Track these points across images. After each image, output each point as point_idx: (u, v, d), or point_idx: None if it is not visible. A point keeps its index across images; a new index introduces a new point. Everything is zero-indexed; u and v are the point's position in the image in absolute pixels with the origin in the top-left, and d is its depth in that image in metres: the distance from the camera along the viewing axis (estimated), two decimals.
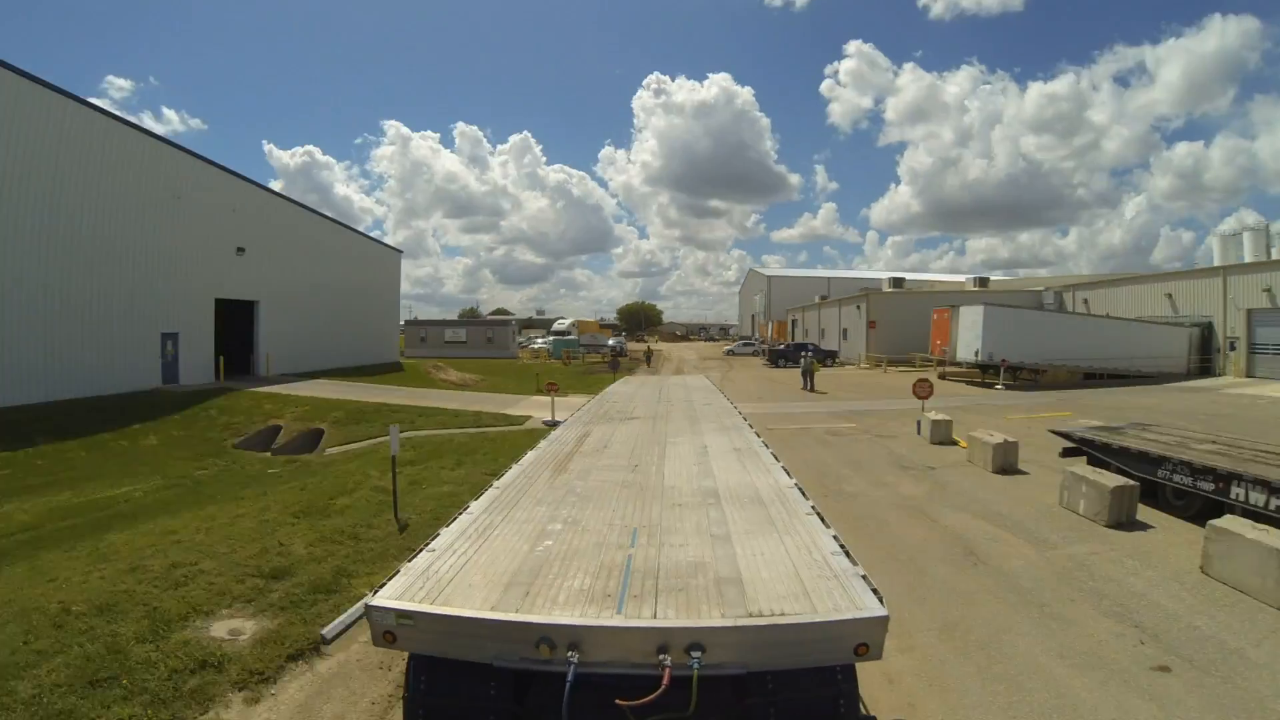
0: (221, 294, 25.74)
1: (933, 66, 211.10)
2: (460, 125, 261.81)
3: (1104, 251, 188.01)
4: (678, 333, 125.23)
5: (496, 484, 5.41)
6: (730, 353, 59.34)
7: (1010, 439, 12.38)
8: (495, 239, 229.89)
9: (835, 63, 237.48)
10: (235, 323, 27.06)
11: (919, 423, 15.84)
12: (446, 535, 4.11)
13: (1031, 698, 4.86)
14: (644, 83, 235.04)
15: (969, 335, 30.04)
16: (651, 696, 2.74)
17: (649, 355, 46.81)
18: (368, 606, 3.16)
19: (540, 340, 62.26)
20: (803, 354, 35.27)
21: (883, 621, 3.00)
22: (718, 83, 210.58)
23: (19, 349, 18.33)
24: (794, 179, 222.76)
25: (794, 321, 67.31)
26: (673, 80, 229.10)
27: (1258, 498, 7.73)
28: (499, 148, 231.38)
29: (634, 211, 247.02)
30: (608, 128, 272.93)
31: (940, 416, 15.47)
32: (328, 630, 5.71)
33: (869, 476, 12.00)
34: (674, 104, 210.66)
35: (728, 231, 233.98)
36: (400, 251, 44.74)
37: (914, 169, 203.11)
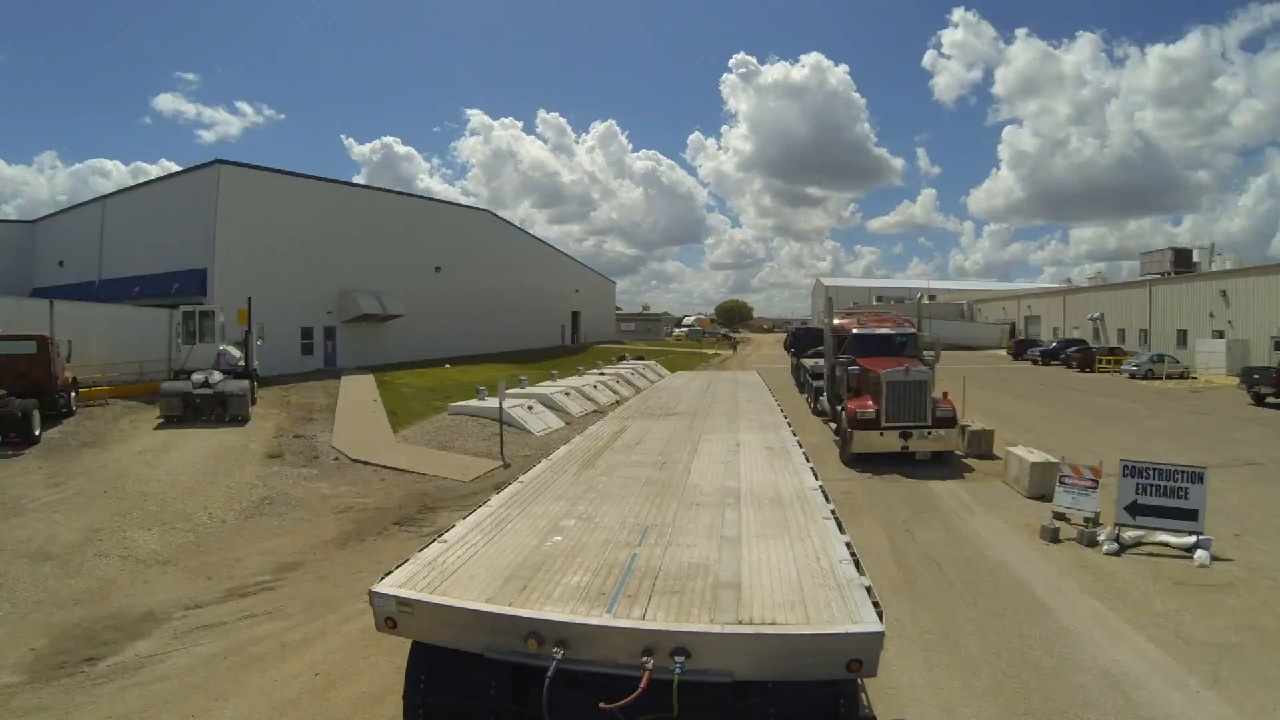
0: (572, 309, 62.31)
1: (1047, 34, 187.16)
2: (542, 113, 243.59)
3: (1221, 241, 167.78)
4: (764, 326, 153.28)
5: (522, 478, 5.62)
6: None
7: None
8: (585, 229, 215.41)
9: (939, 32, 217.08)
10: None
11: None
12: (461, 527, 4.26)
13: None
14: (730, 64, 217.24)
15: None
16: (627, 699, 2.74)
17: (735, 344, 79.99)
18: (371, 593, 3.30)
19: (678, 329, 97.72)
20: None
21: (877, 638, 2.91)
22: (809, 62, 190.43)
23: (525, 330, 54.10)
24: (896, 163, 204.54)
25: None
26: (761, 63, 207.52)
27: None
28: (583, 136, 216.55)
29: (726, 200, 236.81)
30: (695, 113, 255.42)
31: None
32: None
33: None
34: (764, 86, 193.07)
35: (824, 221, 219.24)
36: (614, 282, 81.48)
37: (1019, 150, 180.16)
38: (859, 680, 3.10)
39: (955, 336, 63.54)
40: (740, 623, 2.98)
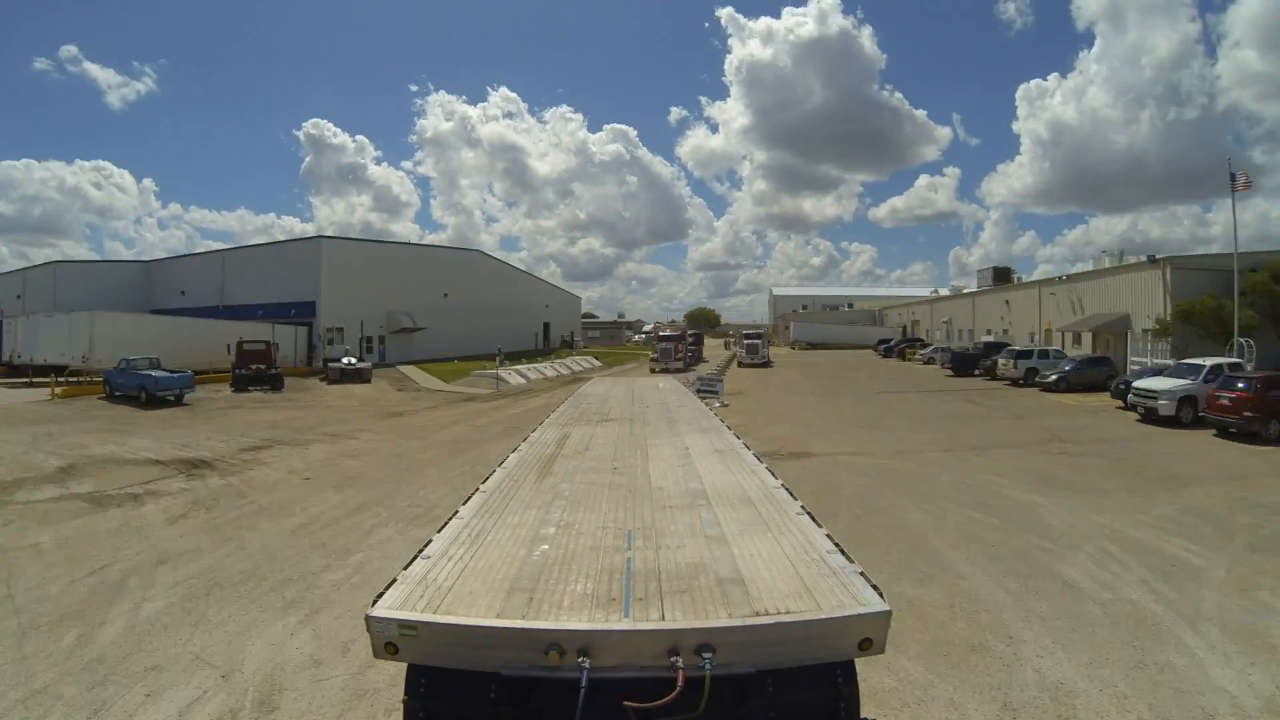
0: (544, 320, 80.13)
1: None
2: (492, 91, 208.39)
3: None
4: (729, 333, 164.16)
5: (483, 488, 5.49)
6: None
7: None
8: (559, 225, 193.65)
9: None
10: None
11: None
12: (439, 541, 4.13)
13: None
14: (718, 16, 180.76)
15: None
16: (668, 698, 2.77)
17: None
18: (368, 618, 3.13)
19: (638, 336, 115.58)
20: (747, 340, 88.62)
21: (886, 616, 3.10)
22: (815, 10, 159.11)
23: (508, 337, 71.39)
24: (940, 134, 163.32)
25: (786, 326, 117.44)
26: (748, 18, 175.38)
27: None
28: (543, 119, 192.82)
29: (713, 190, 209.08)
30: (668, 90, 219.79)
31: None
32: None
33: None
34: (756, 46, 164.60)
35: (828, 213, 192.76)
36: (579, 297, 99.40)
37: (1055, 116, 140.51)
38: (858, 684, 3.26)
39: (841, 338, 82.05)
40: (757, 614, 3.07)
